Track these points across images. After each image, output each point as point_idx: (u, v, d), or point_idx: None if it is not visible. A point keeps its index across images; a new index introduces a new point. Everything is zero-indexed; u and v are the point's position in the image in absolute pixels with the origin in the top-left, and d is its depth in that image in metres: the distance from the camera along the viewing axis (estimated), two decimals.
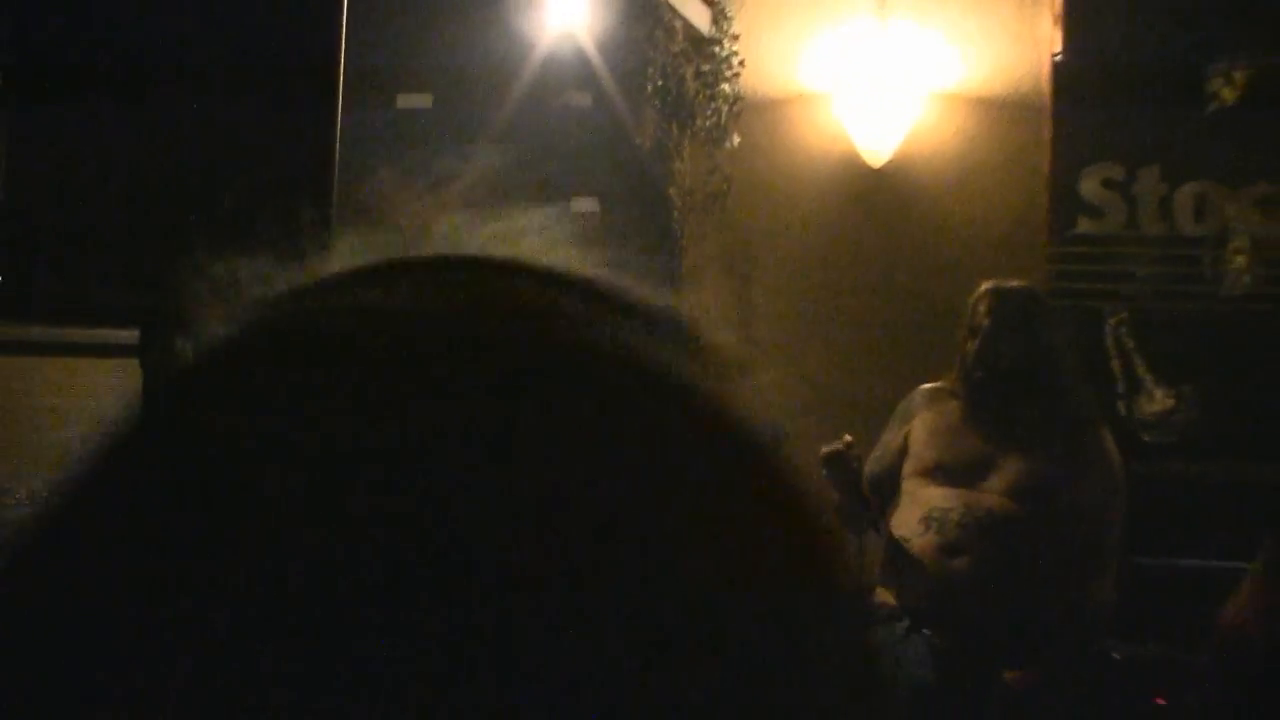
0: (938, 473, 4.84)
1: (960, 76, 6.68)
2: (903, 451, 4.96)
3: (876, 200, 6.67)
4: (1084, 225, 6.54)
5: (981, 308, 4.94)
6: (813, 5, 6.74)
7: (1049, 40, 6.60)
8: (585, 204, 6.90)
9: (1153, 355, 6.44)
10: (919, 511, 4.79)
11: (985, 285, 5.05)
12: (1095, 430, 5.03)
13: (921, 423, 4.97)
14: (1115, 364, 6.44)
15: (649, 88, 6.50)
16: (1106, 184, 6.53)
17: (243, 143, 2.47)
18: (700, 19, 6.56)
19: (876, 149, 6.60)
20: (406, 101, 7.11)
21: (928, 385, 5.12)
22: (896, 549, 4.83)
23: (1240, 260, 6.42)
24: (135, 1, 2.52)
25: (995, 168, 6.64)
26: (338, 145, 2.58)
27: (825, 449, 4.67)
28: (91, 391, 4.73)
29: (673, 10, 6.37)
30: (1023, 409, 4.86)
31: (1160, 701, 5.63)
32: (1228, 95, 6.42)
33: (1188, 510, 6.25)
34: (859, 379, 6.47)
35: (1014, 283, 5.10)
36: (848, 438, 4.77)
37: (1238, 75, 6.40)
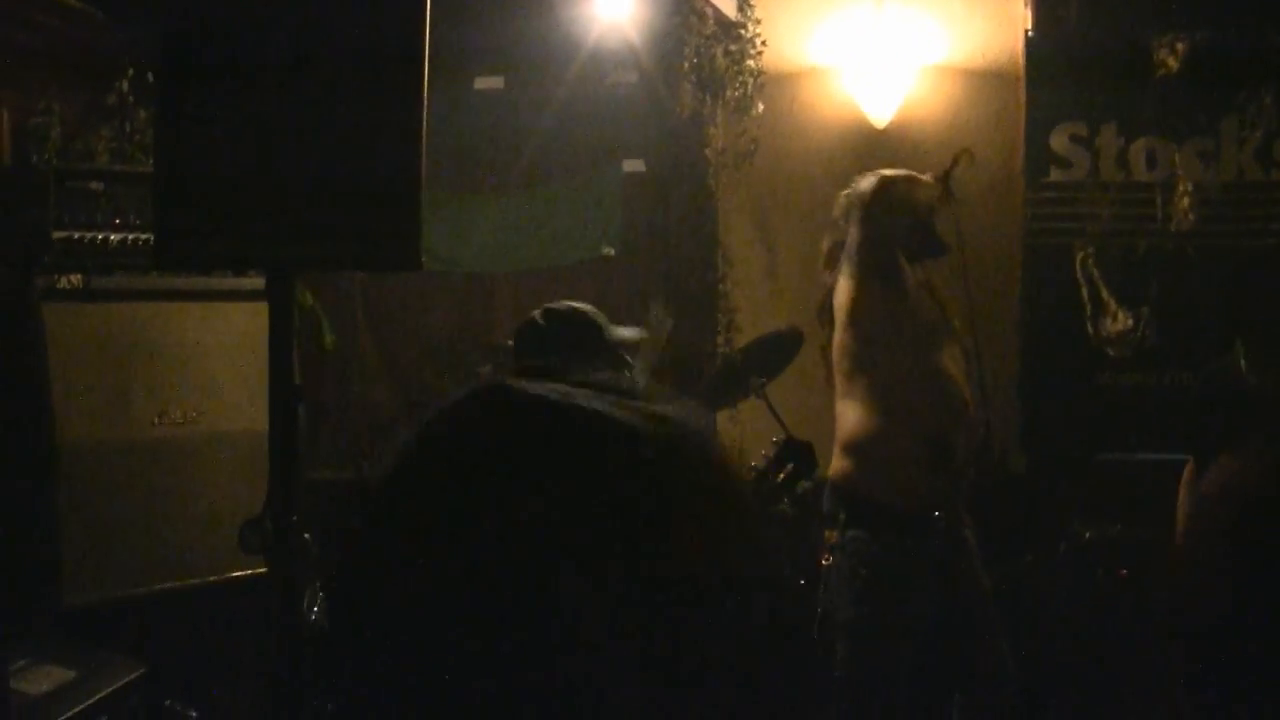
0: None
1: (947, 51, 6.71)
2: None
3: (879, 157, 6.63)
4: (1055, 175, 6.50)
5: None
6: None
7: (1021, 19, 6.62)
8: (634, 165, 6.99)
9: (1114, 283, 6.43)
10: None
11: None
12: None
13: None
14: (1084, 292, 6.43)
15: (685, 65, 6.53)
16: (1073, 139, 6.49)
17: (339, 129, 2.57)
18: (727, 5, 6.60)
19: (878, 114, 6.65)
20: (483, 83, 7.19)
21: None
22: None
23: (1185, 202, 6.39)
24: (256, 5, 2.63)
25: (978, 127, 6.64)
26: (423, 123, 2.67)
27: None
28: (229, 330, 4.89)
29: None
30: None
31: (1123, 574, 5.67)
32: (1171, 63, 6.39)
33: (1145, 412, 6.30)
34: None
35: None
36: None
37: (1179, 46, 6.37)
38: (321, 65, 2.78)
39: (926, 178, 4.55)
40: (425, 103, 2.81)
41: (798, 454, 4.35)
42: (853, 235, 4.44)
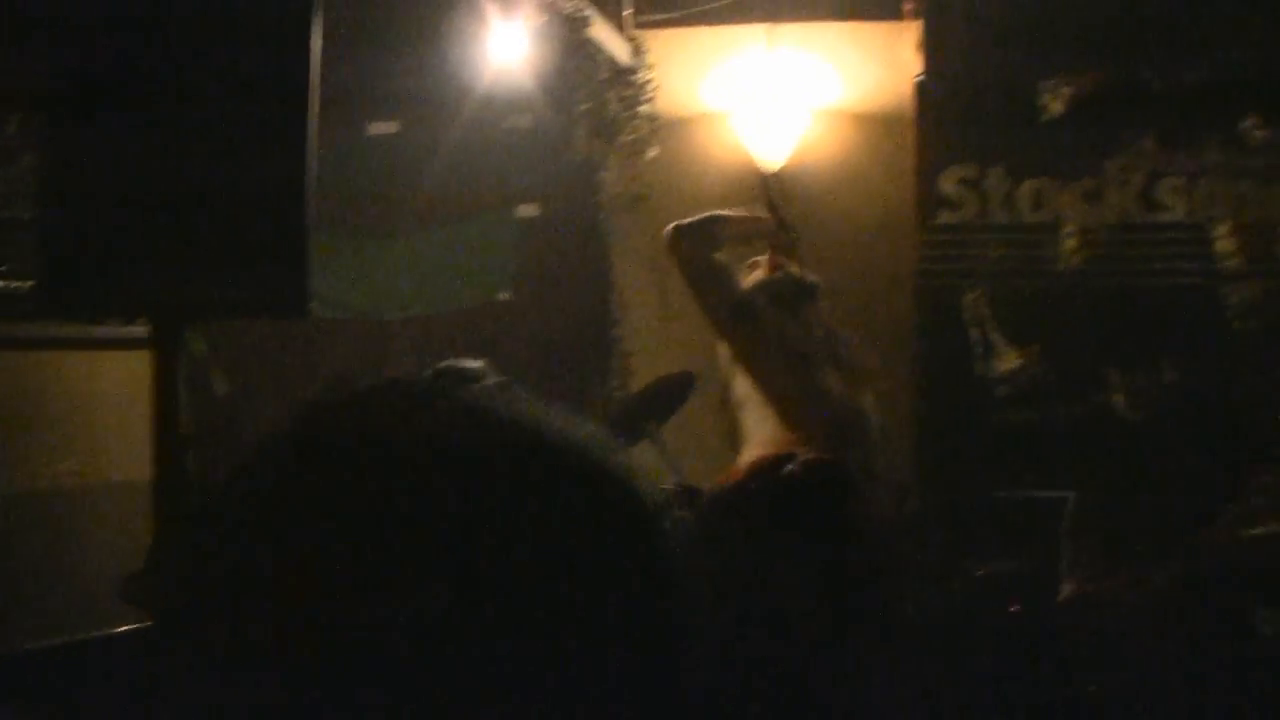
0: None
1: (838, 96, 6.82)
2: None
3: (773, 201, 6.78)
4: (944, 217, 6.60)
5: None
6: (714, 37, 6.86)
7: (911, 64, 6.72)
8: (529, 209, 7.01)
9: (1004, 323, 6.54)
10: None
11: None
12: None
13: None
14: (974, 331, 6.54)
15: (579, 110, 6.58)
16: (962, 182, 6.60)
17: (224, 174, 2.56)
18: (621, 52, 6.67)
19: (770, 158, 6.73)
20: (377, 128, 7.18)
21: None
22: None
23: (1071, 243, 6.54)
24: (136, 33, 2.61)
25: (870, 171, 6.78)
26: (311, 168, 2.67)
27: None
28: (114, 380, 4.82)
29: (597, 45, 6.47)
30: None
31: (1015, 609, 5.75)
32: (1057, 107, 6.55)
33: (1036, 450, 6.39)
34: None
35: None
36: None
37: (1065, 90, 6.53)
38: (207, 110, 2.78)
39: (742, 212, 4.56)
40: (312, 148, 2.81)
41: (689, 501, 4.36)
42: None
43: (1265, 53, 6.56)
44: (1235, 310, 6.56)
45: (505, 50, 6.63)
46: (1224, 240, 6.55)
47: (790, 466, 3.85)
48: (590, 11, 6.30)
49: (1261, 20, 6.57)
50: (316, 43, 2.80)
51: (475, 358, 4.09)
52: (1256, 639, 4.76)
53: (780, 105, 6.69)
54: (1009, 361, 6.53)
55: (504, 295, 6.90)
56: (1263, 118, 6.56)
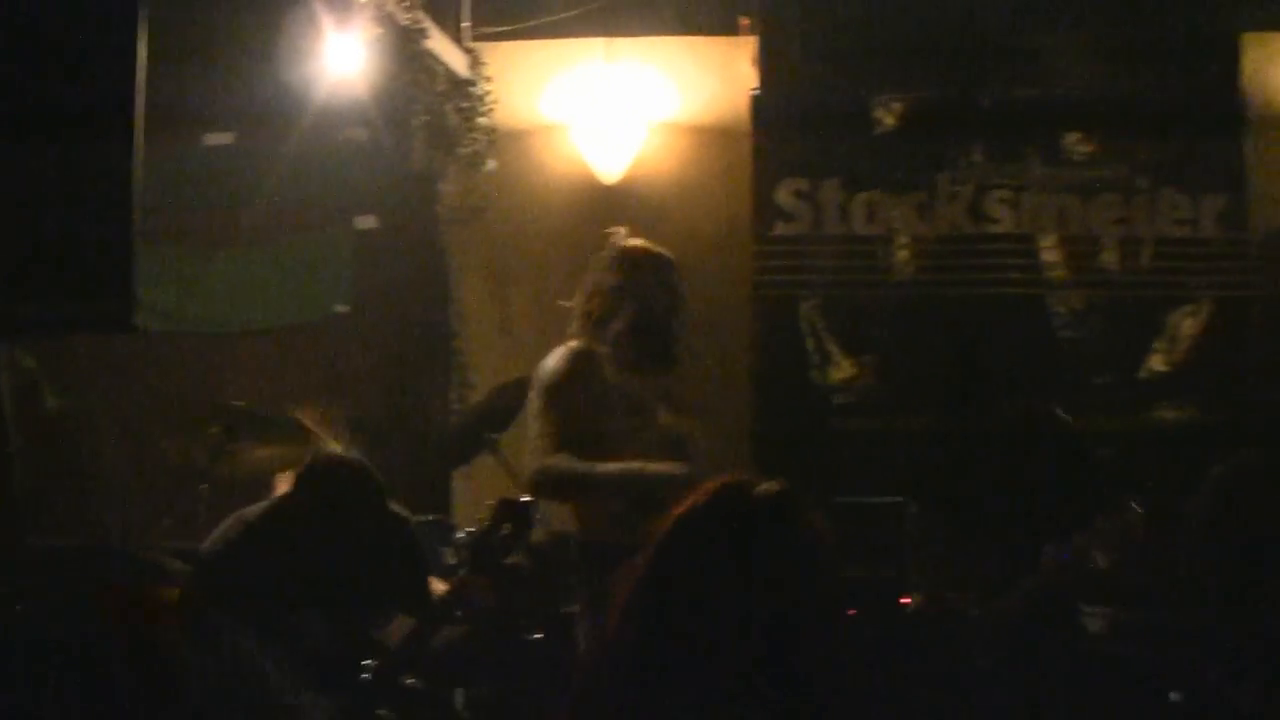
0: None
1: (676, 108, 6.90)
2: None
3: (611, 213, 6.82)
4: (780, 228, 6.72)
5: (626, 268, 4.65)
6: (553, 49, 6.90)
7: (748, 78, 6.83)
8: (366, 221, 6.96)
9: (839, 333, 6.68)
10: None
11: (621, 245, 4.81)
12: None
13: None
14: (809, 341, 6.66)
15: (416, 122, 6.55)
16: (797, 194, 6.72)
17: (46, 187, 2.52)
18: (459, 63, 6.67)
19: (609, 170, 6.79)
20: (212, 138, 7.08)
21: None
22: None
23: (902, 254, 6.71)
24: None
25: (707, 183, 6.86)
26: (137, 182, 2.64)
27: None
28: None
29: (434, 56, 6.45)
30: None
31: (850, 613, 5.84)
32: (889, 121, 6.71)
33: (871, 456, 6.51)
34: None
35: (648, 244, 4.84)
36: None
37: (896, 105, 6.70)
38: (27, 120, 2.74)
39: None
40: (138, 162, 2.78)
41: (513, 514, 4.37)
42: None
43: (1087, 71, 6.80)
44: (1061, 319, 6.77)
45: (341, 62, 6.56)
46: (1049, 251, 6.76)
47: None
48: (427, 23, 6.28)
49: (1084, 40, 6.80)
50: (141, 55, 2.78)
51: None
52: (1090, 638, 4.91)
53: (618, 118, 6.75)
54: (844, 370, 6.67)
55: (341, 308, 6.85)
56: (1084, 134, 6.79)
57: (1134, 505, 4.80)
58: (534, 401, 4.47)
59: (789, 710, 1.97)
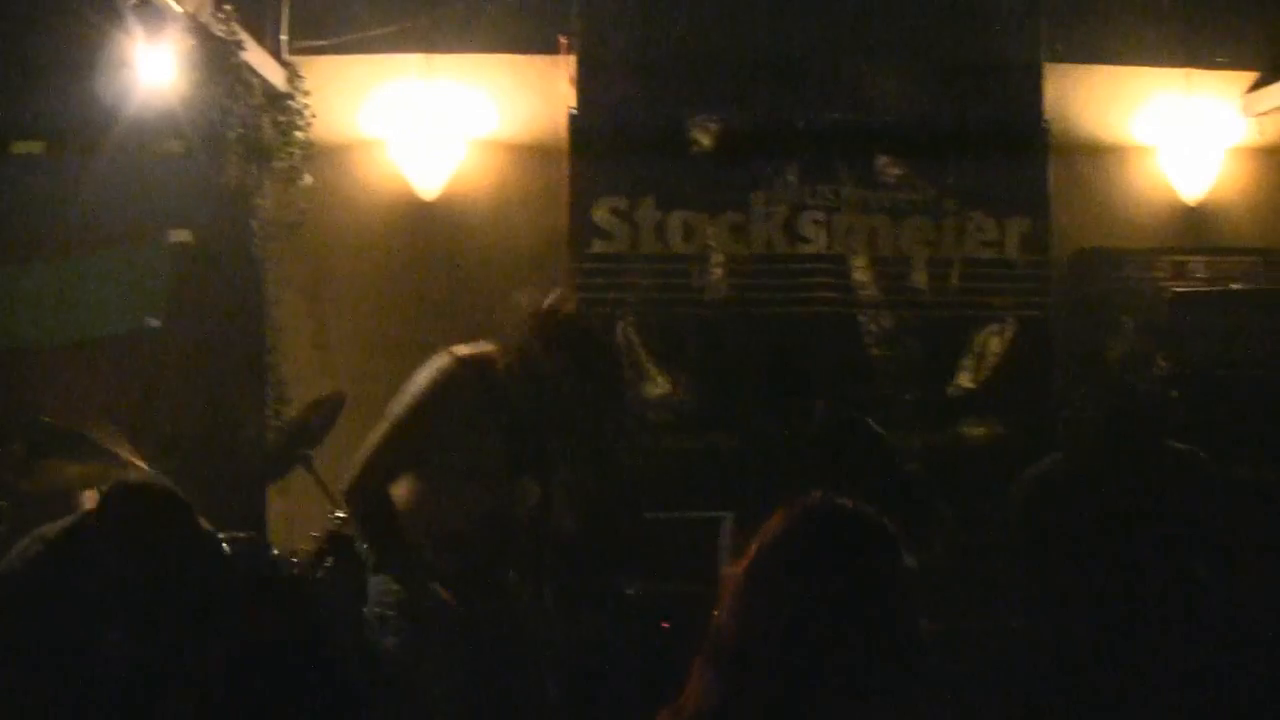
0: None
1: (495, 126, 6.94)
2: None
3: (430, 229, 6.85)
4: (598, 246, 6.79)
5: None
6: (372, 65, 6.89)
7: (566, 97, 6.89)
8: (181, 235, 6.87)
9: (654, 349, 6.76)
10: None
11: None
12: None
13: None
14: (625, 358, 6.72)
15: (231, 135, 6.48)
16: (614, 212, 6.80)
17: None
18: (276, 76, 6.63)
19: (427, 186, 6.80)
20: (21, 148, 6.93)
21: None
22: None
23: (718, 273, 6.82)
24: None
25: (525, 201, 6.92)
26: None
27: None
28: None
29: (251, 69, 6.40)
30: None
31: (665, 625, 5.90)
32: (705, 141, 6.83)
33: (683, 472, 6.59)
34: None
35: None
36: None
37: (712, 125, 6.82)
38: None
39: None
40: None
41: (339, 548, 4.35)
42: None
43: (899, 96, 6.99)
44: (872, 337, 6.94)
45: (155, 73, 6.48)
46: (860, 271, 6.93)
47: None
48: (243, 36, 6.23)
49: (896, 65, 7.00)
50: None
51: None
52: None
53: (437, 135, 6.77)
54: (660, 387, 6.75)
55: (154, 323, 6.74)
56: (895, 157, 6.98)
57: (944, 512, 4.94)
58: (391, 405, 4.31)
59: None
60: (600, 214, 6.79)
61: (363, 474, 4.18)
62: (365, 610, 4.29)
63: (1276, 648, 5.51)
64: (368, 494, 4.20)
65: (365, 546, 4.35)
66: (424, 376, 4.26)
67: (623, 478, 6.61)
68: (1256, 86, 7.56)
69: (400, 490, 4.30)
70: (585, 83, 6.87)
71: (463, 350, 4.29)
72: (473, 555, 4.28)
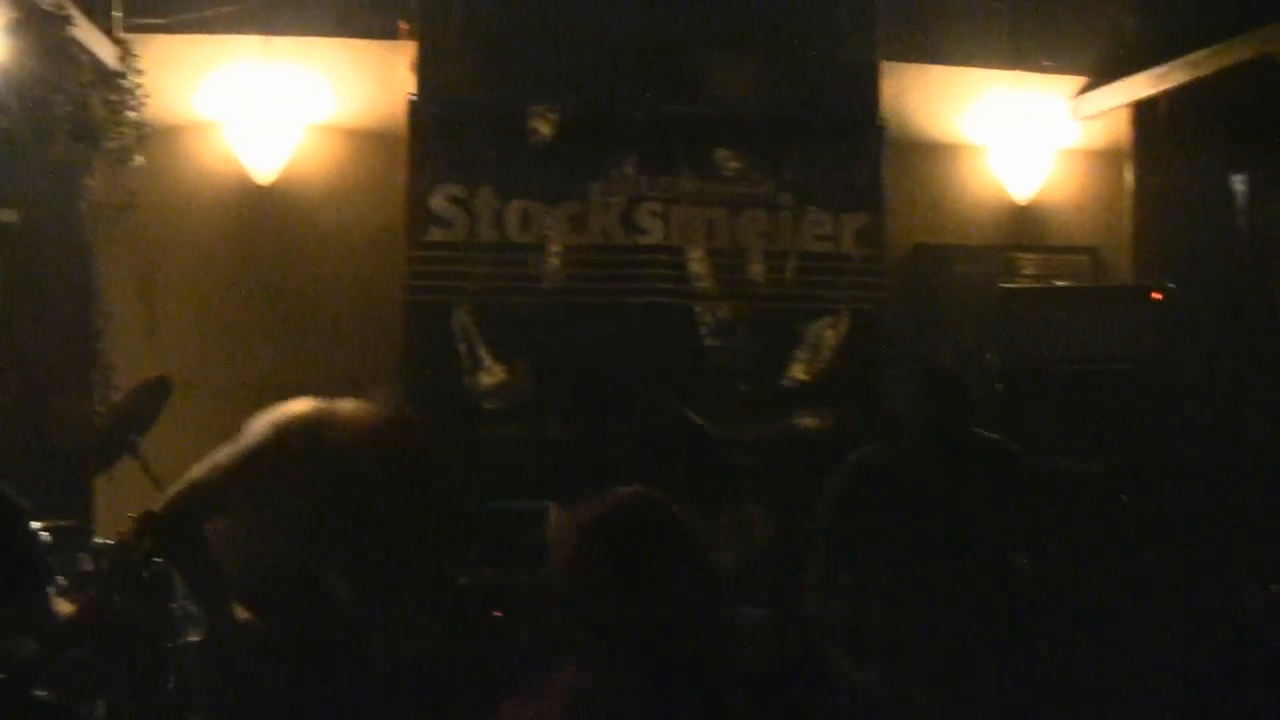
0: None
1: (332, 111, 6.89)
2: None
3: (265, 213, 6.79)
4: (435, 234, 6.73)
5: None
6: (208, 45, 6.80)
7: (405, 83, 6.85)
8: (6, 215, 6.72)
9: (490, 338, 6.74)
10: None
11: None
12: None
13: None
14: (461, 347, 6.71)
15: (60, 113, 6.35)
16: (452, 200, 6.75)
17: None
18: (107, 54, 6.50)
19: (262, 170, 6.73)
20: None
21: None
22: None
23: (555, 262, 6.83)
24: None
25: (363, 186, 6.88)
26: None
27: None
28: None
29: (80, 45, 6.27)
30: None
31: (498, 615, 5.91)
32: (545, 131, 6.84)
33: (521, 462, 6.59)
34: (256, 367, 6.59)
35: None
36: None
37: (552, 115, 6.83)
38: None
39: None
40: None
41: (153, 529, 4.26)
42: None
43: (738, 91, 7.08)
44: (708, 328, 7.02)
45: None
46: (697, 263, 7.00)
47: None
48: (72, 10, 6.10)
49: (736, 60, 7.08)
50: None
51: None
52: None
53: (274, 118, 6.70)
54: (496, 376, 6.75)
55: None
56: (734, 151, 7.06)
57: (754, 505, 5.02)
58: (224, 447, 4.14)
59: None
60: (438, 202, 6.74)
61: (177, 505, 4.06)
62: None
63: (1094, 631, 5.71)
64: (179, 524, 4.07)
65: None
66: (264, 428, 4.11)
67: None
68: (1084, 91, 7.79)
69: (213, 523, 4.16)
70: (425, 69, 6.82)
71: (306, 409, 4.15)
72: (284, 570, 4.17)
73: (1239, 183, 7.85)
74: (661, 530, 2.45)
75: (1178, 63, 7.03)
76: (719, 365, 7.05)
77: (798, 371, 7.16)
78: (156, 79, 6.61)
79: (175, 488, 4.08)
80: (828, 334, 7.18)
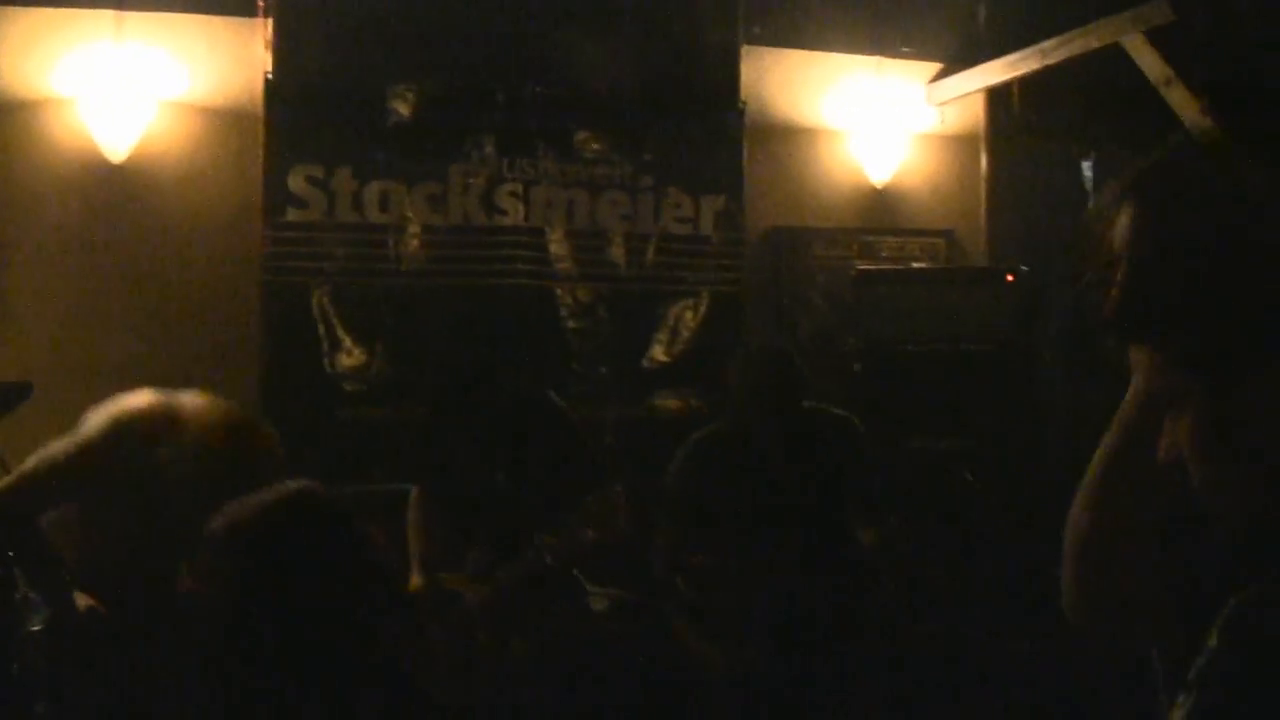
0: None
1: (187, 88, 6.80)
2: None
3: (119, 192, 6.69)
4: (292, 215, 6.70)
5: None
6: (60, 20, 6.67)
7: (262, 61, 6.81)
8: None
9: (350, 320, 6.74)
10: None
11: None
12: None
13: None
14: (320, 328, 6.69)
15: None
16: (310, 181, 6.73)
17: None
18: None
19: (115, 148, 6.63)
20: None
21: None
22: None
23: (414, 244, 6.84)
24: None
25: (219, 166, 6.80)
26: None
27: None
28: None
29: None
30: None
31: None
32: (404, 111, 6.84)
33: (379, 444, 6.60)
34: (111, 349, 6.50)
35: None
36: None
37: (411, 95, 6.84)
38: None
39: None
40: None
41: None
42: None
43: (597, 71, 7.12)
44: (569, 310, 7.07)
45: None
46: (558, 244, 7.05)
47: None
48: None
49: (597, 40, 7.12)
50: None
51: None
52: (593, 615, 5.15)
53: (127, 95, 6.61)
54: (355, 358, 6.74)
55: None
56: (593, 132, 7.12)
57: (616, 486, 5.08)
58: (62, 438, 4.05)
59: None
60: (295, 181, 6.70)
61: (8, 499, 3.98)
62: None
63: (930, 598, 5.87)
64: (11, 518, 3.99)
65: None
66: (100, 421, 4.02)
67: None
68: (939, 77, 7.96)
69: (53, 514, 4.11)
70: (281, 47, 6.77)
71: (143, 404, 4.04)
72: (124, 560, 4.09)
73: (1087, 168, 8.09)
74: (315, 532, 2.36)
75: (1029, 50, 7.21)
76: (580, 347, 7.11)
77: (658, 353, 7.25)
78: (7, 53, 6.51)
79: (8, 481, 4.05)
80: (687, 315, 7.28)
